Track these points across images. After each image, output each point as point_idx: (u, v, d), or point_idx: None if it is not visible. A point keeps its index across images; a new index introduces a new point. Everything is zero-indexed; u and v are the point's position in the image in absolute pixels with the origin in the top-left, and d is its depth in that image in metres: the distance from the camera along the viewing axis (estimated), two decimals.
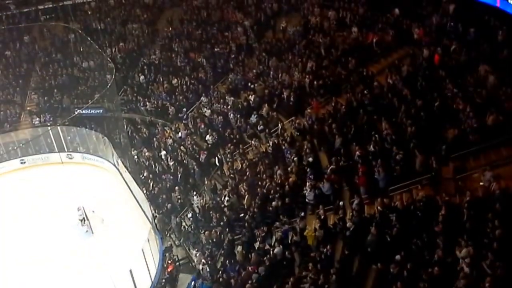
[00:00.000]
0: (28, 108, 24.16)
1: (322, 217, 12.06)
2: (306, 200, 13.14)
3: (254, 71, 19.39)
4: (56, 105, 23.83)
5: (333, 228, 12.02)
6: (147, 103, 21.84)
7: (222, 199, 15.16)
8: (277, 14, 21.66)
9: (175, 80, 21.87)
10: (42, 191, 19.08)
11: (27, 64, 26.05)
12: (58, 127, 21.43)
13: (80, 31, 25.76)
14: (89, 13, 27.30)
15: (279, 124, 16.24)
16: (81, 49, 25.71)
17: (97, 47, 24.26)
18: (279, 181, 13.96)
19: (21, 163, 21.29)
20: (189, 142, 18.54)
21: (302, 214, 12.76)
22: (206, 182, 16.66)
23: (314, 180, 13.05)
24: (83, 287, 14.17)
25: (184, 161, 17.92)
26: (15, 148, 21.22)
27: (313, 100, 15.80)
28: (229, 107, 18.57)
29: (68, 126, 21.53)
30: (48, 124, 22.72)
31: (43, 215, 17.52)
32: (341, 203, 12.35)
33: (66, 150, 21.22)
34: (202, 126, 18.77)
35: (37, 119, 23.40)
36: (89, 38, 24.83)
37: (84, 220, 16.54)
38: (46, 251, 15.70)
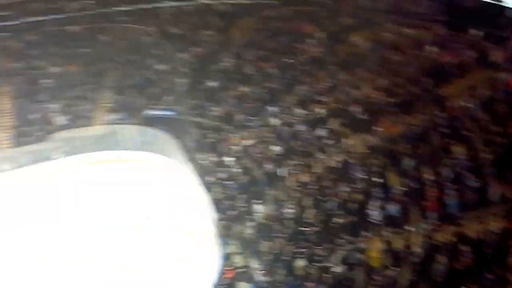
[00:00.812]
0: (101, 106, 25.20)
1: (388, 239, 11.83)
2: (372, 220, 12.93)
3: (325, 84, 19.35)
4: (128, 104, 24.70)
5: (399, 252, 11.75)
6: (216, 108, 22.27)
7: (285, 211, 15.17)
8: (351, 28, 21.50)
9: (245, 88, 22.18)
10: (106, 188, 19.88)
11: (103, 63, 27.18)
12: (129, 126, 22.39)
13: (155, 34, 26.81)
14: (166, 17, 28.20)
15: (348, 140, 16.11)
16: (156, 52, 26.55)
17: (171, 50, 25.16)
18: (344, 198, 13.81)
19: (90, 159, 22.32)
20: (255, 151, 18.72)
21: (367, 234, 12.53)
22: (270, 192, 16.73)
23: (382, 200, 12.82)
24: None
25: (250, 170, 18.10)
26: (86, 144, 22.34)
27: (385, 118, 15.56)
28: (297, 118, 18.63)
29: (138, 125, 22.41)
30: (120, 122, 23.62)
31: (102, 212, 18.21)
32: (409, 227, 12.03)
33: (134, 149, 22.06)
34: (269, 136, 18.93)
35: (110, 117, 24.38)
36: (164, 42, 25.82)
37: (146, 220, 17.08)
38: (101, 250, 16.32)
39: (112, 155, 22.47)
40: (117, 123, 23.36)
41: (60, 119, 23.84)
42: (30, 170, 21.90)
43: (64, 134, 22.93)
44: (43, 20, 27.84)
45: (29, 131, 23.35)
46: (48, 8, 28.34)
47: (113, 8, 28.50)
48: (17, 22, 27.83)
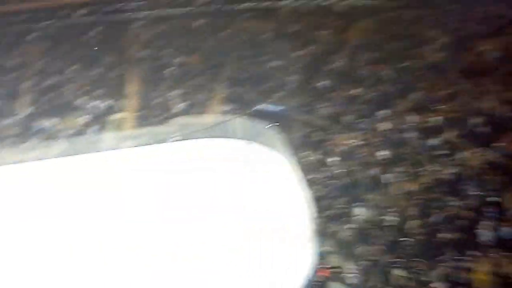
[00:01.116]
0: (216, 96, 26.35)
1: (498, 262, 11.01)
2: (482, 240, 12.10)
3: (443, 92, 18.42)
4: (241, 97, 25.56)
5: (509, 277, 10.89)
6: (325, 108, 22.25)
7: (387, 218, 14.76)
8: (478, 36, 20.21)
9: (357, 89, 21.89)
10: (210, 174, 20.74)
11: (221, 56, 28.32)
12: (240, 118, 23.25)
13: (273, 32, 27.49)
14: (285, 16, 28.75)
15: (464, 153, 15.19)
16: (271, 49, 27.15)
17: (286, 48, 25.63)
18: (453, 213, 13.08)
19: (201, 145, 23.49)
20: (361, 154, 18.41)
21: (475, 254, 11.76)
22: (372, 197, 16.37)
23: (495, 220, 11.95)
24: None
25: (353, 172, 17.85)
26: (199, 130, 23.59)
27: (509, 133, 14.43)
28: (409, 125, 17.98)
29: (248, 118, 23.17)
30: (232, 113, 24.51)
31: (202, 198, 19.00)
32: None
33: (243, 140, 22.85)
34: (377, 140, 18.49)
35: (223, 107, 25.41)
36: (280, 39, 26.38)
37: (243, 210, 17.61)
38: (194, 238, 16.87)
39: (221, 143, 23.46)
40: (229, 114, 24.31)
41: (179, 106, 25.50)
42: (147, 150, 23.70)
43: (181, 120, 24.49)
44: (171, 13, 30.00)
45: (151, 114, 25.32)
46: (177, 2, 30.44)
47: (235, 5, 29.84)
48: (149, 13, 30.29)
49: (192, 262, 15.68)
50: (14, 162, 23.20)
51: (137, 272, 15.60)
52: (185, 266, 15.64)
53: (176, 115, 25.09)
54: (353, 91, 22.02)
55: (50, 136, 24.63)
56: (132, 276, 15.47)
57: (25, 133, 24.97)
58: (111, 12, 30.67)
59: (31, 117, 25.80)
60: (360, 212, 15.78)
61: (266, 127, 21.88)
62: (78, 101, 26.40)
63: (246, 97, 25.39)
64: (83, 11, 30.59)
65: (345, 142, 19.86)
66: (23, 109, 26.07)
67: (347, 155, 19.01)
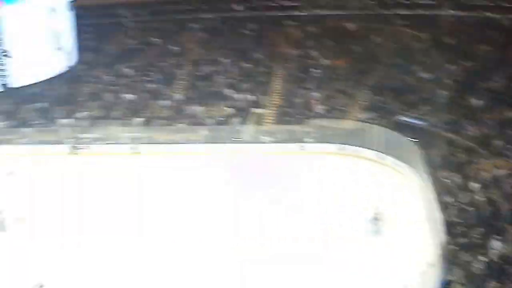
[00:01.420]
0: (357, 102, 26.12)
1: None
2: None
3: None
4: (383, 106, 25.04)
5: None
6: (473, 129, 20.82)
7: None
8: None
9: None
10: (335, 180, 20.89)
11: (369, 62, 27.76)
12: (378, 127, 22.85)
13: (427, 42, 26.33)
14: (442, 26, 27.30)
15: None
16: (423, 59, 26.02)
17: (439, 60, 24.40)
18: None
19: (333, 149, 23.65)
20: (507, 183, 16.89)
21: None
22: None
23: None
24: None
25: (495, 201, 16.50)
26: (335, 135, 23.74)
27: None
28: None
29: (388, 128, 22.66)
30: (371, 122, 24.12)
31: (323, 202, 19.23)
32: None
33: (378, 151, 22.47)
34: None
35: (363, 114, 25.07)
36: (434, 50, 25.17)
37: (375, 220, 17.37)
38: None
39: (354, 151, 23.33)
40: (367, 122, 24.03)
41: (319, 108, 25.91)
42: (282, 147, 24.53)
43: (319, 122, 24.86)
44: (325, 14, 30.30)
45: (291, 112, 26.14)
46: (332, 4, 30.59)
47: (391, 10, 28.99)
48: (303, 14, 30.99)
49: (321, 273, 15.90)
50: (162, 142, 25.80)
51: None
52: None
53: (315, 116, 25.53)
54: (508, 114, 20.27)
55: (196, 121, 26.80)
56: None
57: (175, 116, 27.47)
58: (267, 9, 31.92)
59: (183, 102, 28.25)
60: (497, 246, 14.60)
61: (405, 140, 21.28)
62: (226, 92, 28.17)
63: (389, 107, 24.81)
64: (242, 6, 32.28)
65: (490, 168, 18.43)
66: (176, 94, 28.62)
67: (490, 183, 17.62)
